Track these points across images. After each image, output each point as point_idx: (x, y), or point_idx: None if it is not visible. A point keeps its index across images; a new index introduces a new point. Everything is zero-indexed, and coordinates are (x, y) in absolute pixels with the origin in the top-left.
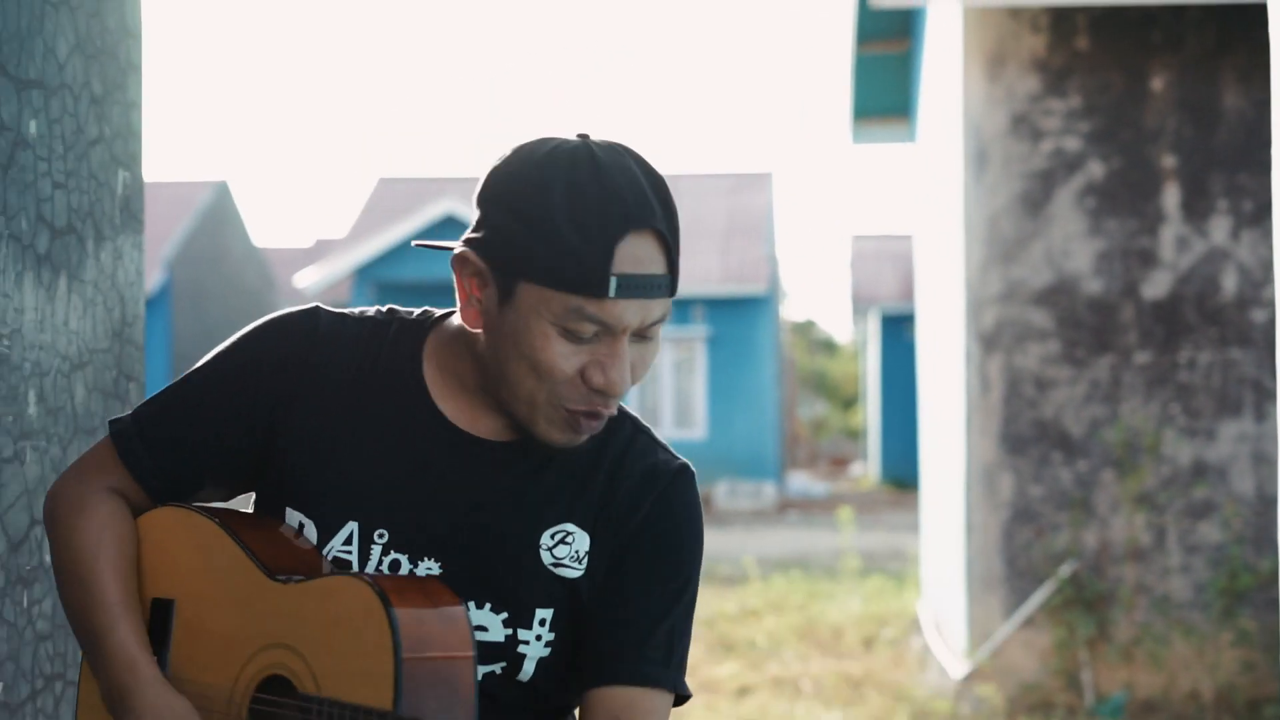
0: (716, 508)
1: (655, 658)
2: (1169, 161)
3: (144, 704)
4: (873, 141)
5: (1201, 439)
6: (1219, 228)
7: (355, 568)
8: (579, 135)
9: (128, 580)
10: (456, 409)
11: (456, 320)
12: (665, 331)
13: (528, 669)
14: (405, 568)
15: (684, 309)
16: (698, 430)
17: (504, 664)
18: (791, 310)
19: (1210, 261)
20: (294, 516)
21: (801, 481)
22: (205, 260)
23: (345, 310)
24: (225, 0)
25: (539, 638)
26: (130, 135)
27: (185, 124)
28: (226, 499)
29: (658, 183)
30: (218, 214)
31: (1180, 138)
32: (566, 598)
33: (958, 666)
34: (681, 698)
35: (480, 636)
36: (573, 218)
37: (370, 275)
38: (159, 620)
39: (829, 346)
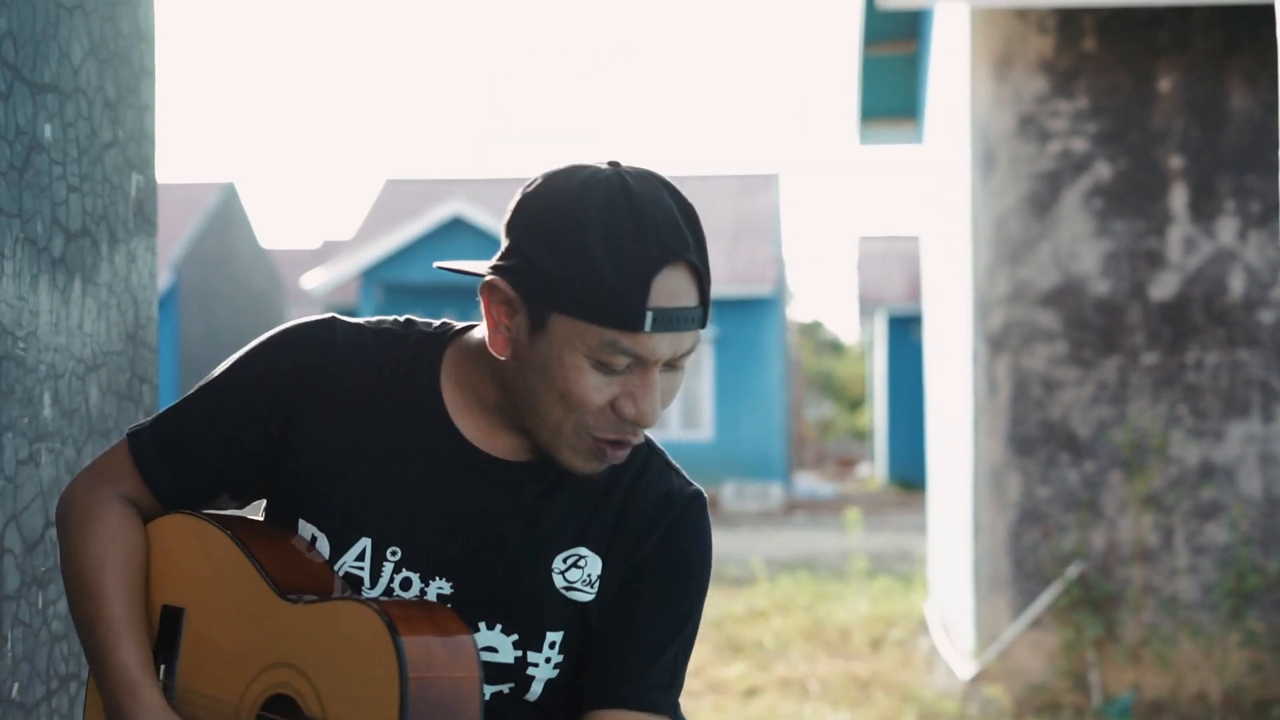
0: (723, 509)
1: (660, 682)
2: (1176, 162)
3: None
4: (879, 143)
5: (1209, 440)
6: (1226, 229)
7: (367, 584)
8: (610, 163)
9: (134, 592)
10: (473, 426)
11: (477, 335)
12: None
13: (535, 690)
14: (416, 586)
15: None
16: (704, 431)
17: (512, 685)
18: (798, 311)
19: (1217, 262)
20: (306, 529)
21: (808, 483)
22: (213, 262)
23: (362, 320)
24: (231, 3)
25: (548, 660)
26: (143, 139)
27: (193, 126)
28: (240, 507)
29: (689, 213)
30: (225, 215)
31: (1187, 139)
32: (577, 620)
33: (965, 667)
34: None
35: (490, 657)
36: (609, 252)
37: (377, 276)
38: (169, 627)
39: (836, 347)
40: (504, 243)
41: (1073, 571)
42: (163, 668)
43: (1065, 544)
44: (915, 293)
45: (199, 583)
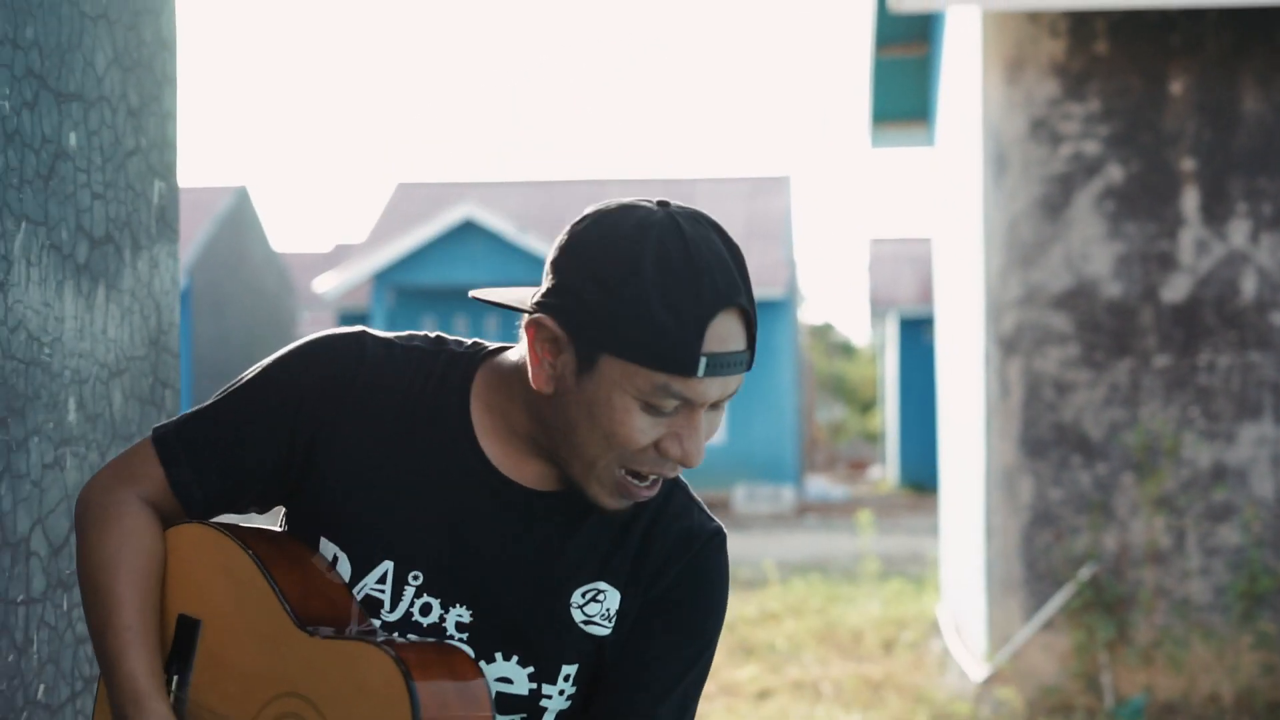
0: (735, 511)
1: (668, 718)
2: (1188, 165)
3: None
4: (891, 145)
5: (1221, 442)
6: (1238, 231)
7: (387, 607)
8: (659, 203)
9: (147, 598)
10: (501, 452)
11: (510, 359)
12: None
13: None
14: (436, 612)
15: None
16: (716, 434)
17: (524, 716)
18: (810, 313)
19: (1229, 264)
20: (329, 548)
21: (820, 485)
22: (225, 265)
23: (392, 336)
24: (244, 7)
25: (561, 692)
26: (166, 146)
27: (206, 130)
28: (261, 513)
29: (737, 255)
30: (237, 219)
31: (1199, 141)
32: (593, 654)
33: (977, 669)
34: None
35: (504, 688)
36: (665, 296)
37: (389, 280)
38: (184, 638)
39: (847, 350)
40: (549, 279)
41: (1085, 573)
42: (175, 679)
43: (1077, 546)
44: (927, 295)
45: (216, 598)
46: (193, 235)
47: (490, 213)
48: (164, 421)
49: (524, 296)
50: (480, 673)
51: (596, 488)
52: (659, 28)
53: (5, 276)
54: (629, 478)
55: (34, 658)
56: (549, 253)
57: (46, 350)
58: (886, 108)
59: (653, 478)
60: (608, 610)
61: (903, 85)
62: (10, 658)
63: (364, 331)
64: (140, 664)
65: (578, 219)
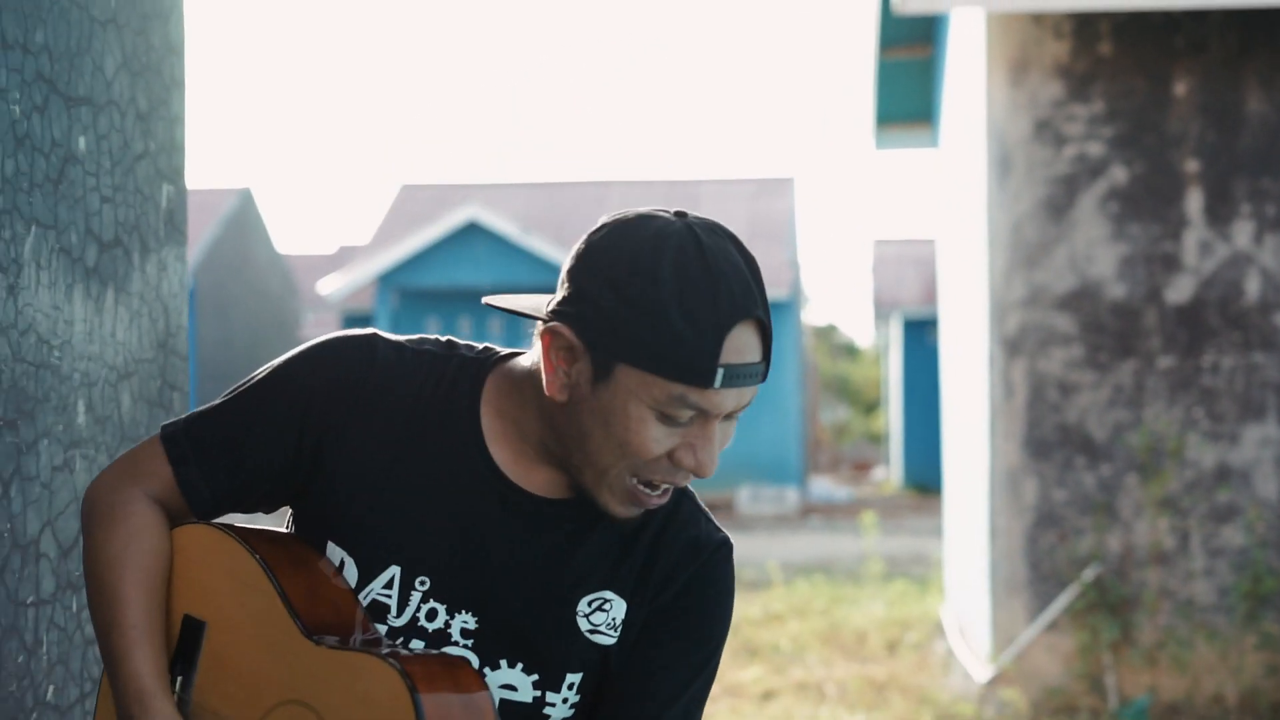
0: (739, 513)
1: None
2: (1192, 166)
3: None
4: (895, 147)
5: (1225, 443)
6: (1242, 232)
7: (394, 611)
8: (676, 214)
9: (153, 597)
10: (511, 459)
11: (522, 364)
12: None
13: None
14: (442, 617)
15: None
16: None
17: None
18: (813, 315)
19: (1233, 266)
20: (336, 552)
21: (824, 486)
22: (229, 267)
23: (403, 339)
24: (247, 9)
25: (565, 700)
26: (174, 149)
27: (209, 132)
28: (268, 513)
29: (754, 267)
30: (241, 221)
31: (1203, 142)
32: (598, 663)
33: (981, 670)
34: None
35: (508, 695)
36: (684, 307)
37: (393, 282)
38: (189, 638)
39: (851, 351)
40: (564, 288)
41: (1089, 574)
42: (180, 679)
43: (1081, 547)
44: (930, 296)
45: (222, 600)
46: (197, 237)
47: (494, 214)
48: (172, 420)
49: (538, 304)
50: (484, 685)
51: (608, 496)
52: (663, 28)
53: (15, 280)
54: (641, 486)
55: (43, 659)
56: (565, 261)
57: (56, 353)
58: (890, 109)
59: (665, 486)
60: (614, 619)
61: (907, 87)
62: (20, 659)
63: (375, 334)
64: (145, 663)
65: (595, 228)
